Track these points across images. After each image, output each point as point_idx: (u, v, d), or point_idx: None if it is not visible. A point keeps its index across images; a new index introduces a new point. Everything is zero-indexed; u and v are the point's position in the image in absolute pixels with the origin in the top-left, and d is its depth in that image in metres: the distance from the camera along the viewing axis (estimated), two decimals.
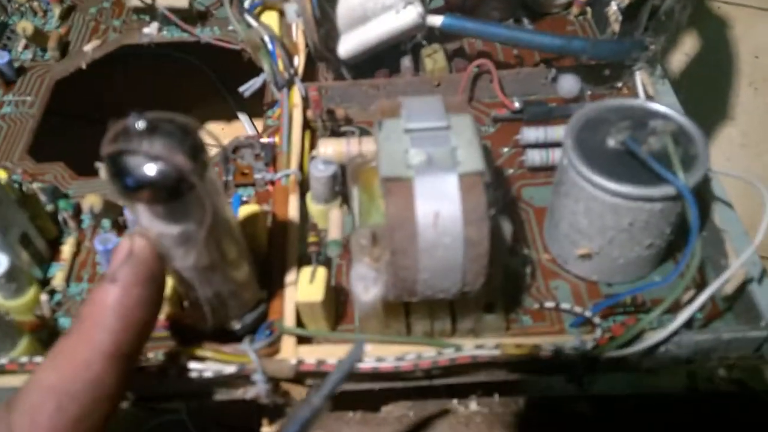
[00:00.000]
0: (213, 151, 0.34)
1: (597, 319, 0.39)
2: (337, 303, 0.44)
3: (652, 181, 0.37)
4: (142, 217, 0.32)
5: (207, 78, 0.80)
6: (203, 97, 0.62)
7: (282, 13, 0.58)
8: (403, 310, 0.41)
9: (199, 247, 0.34)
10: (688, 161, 0.38)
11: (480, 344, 0.37)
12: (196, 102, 0.71)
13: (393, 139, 0.36)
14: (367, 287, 0.38)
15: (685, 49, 0.97)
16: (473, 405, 0.40)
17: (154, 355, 0.41)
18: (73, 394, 0.29)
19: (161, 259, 0.33)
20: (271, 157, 0.52)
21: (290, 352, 0.38)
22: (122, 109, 0.29)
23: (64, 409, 0.28)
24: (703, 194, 0.44)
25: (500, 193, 0.40)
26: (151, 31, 0.65)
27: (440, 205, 0.34)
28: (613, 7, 0.58)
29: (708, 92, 0.99)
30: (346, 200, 0.47)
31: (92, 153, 0.48)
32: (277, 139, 0.53)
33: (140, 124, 0.29)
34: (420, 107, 0.38)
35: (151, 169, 0.29)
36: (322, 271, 0.40)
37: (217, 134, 0.55)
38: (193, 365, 0.37)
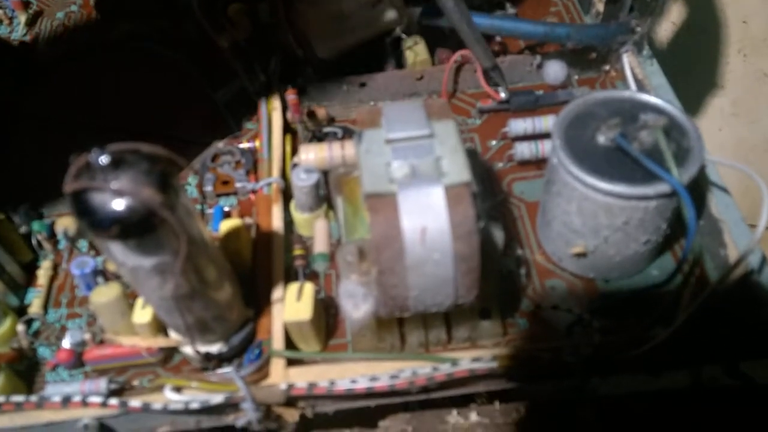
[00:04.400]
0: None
1: (595, 323, 0.38)
2: (328, 315, 0.42)
3: (646, 179, 0.36)
4: (114, 251, 0.30)
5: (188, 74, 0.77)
6: (186, 92, 0.60)
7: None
8: (397, 322, 0.40)
9: (177, 277, 0.32)
10: (681, 155, 0.37)
11: (477, 357, 0.36)
12: (178, 98, 0.68)
13: (374, 151, 0.35)
14: (356, 304, 0.36)
15: (672, 17, 0.95)
16: (473, 416, 0.39)
17: (140, 381, 0.40)
18: None
19: None
20: (252, 163, 0.51)
21: (280, 376, 0.37)
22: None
23: None
24: (699, 182, 0.43)
25: (489, 201, 0.38)
26: (120, 34, 0.62)
27: (427, 219, 0.32)
28: None
29: (697, 61, 0.97)
30: (332, 205, 0.46)
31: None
32: (257, 143, 0.52)
33: (103, 159, 0.27)
34: (400, 115, 0.36)
35: (118, 205, 0.28)
36: (309, 288, 0.39)
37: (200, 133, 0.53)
38: (178, 397, 0.35)
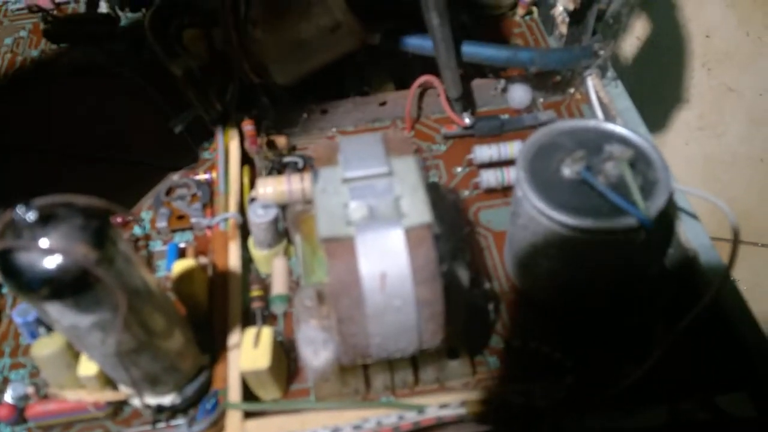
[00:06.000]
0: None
1: (567, 362, 0.36)
2: (289, 359, 0.40)
3: (613, 213, 0.35)
4: (48, 309, 0.28)
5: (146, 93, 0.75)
6: (144, 114, 0.57)
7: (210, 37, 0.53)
8: (361, 365, 0.38)
9: (118, 333, 0.30)
10: (648, 187, 0.36)
11: (444, 403, 0.35)
12: (137, 120, 0.65)
13: (330, 191, 0.33)
14: (316, 351, 0.35)
15: (636, 33, 0.95)
16: None
17: None
18: None
19: None
20: (209, 197, 0.48)
21: (236, 430, 0.35)
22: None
23: None
24: (667, 209, 0.42)
25: (453, 237, 0.36)
26: (72, 60, 0.60)
27: (386, 264, 0.31)
28: (559, 8, 0.55)
29: (661, 76, 0.97)
30: (292, 240, 0.44)
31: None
32: (214, 174, 0.50)
33: (30, 216, 0.25)
34: (358, 151, 0.34)
35: (48, 264, 0.26)
36: (267, 333, 0.37)
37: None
38: None
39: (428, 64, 0.54)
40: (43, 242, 0.25)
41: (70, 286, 0.26)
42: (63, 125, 0.55)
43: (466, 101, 0.50)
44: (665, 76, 0.95)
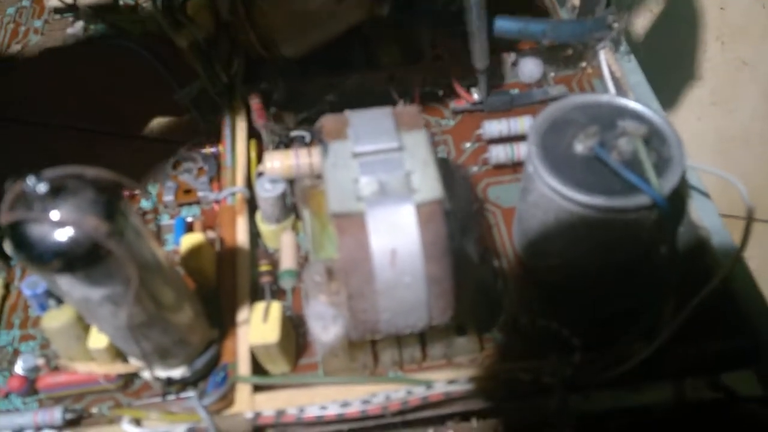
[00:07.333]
0: None
1: (575, 340, 0.36)
2: (298, 334, 0.40)
3: (626, 190, 0.34)
4: (60, 282, 0.28)
5: (151, 66, 0.74)
6: (149, 87, 0.57)
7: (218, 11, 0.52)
8: (369, 341, 0.38)
9: (130, 307, 0.30)
10: (662, 164, 0.35)
11: (452, 379, 0.35)
12: (142, 93, 0.64)
13: (340, 165, 0.33)
14: (326, 326, 0.35)
15: (650, 5, 0.93)
16: None
17: (98, 409, 0.38)
18: None
19: None
20: (216, 170, 0.48)
21: (245, 403, 0.35)
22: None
23: None
24: (679, 187, 0.42)
25: (462, 212, 0.36)
26: (75, 31, 0.59)
27: (397, 240, 0.30)
28: None
29: (674, 49, 0.96)
30: (300, 215, 0.44)
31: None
32: (221, 148, 0.49)
33: (41, 187, 0.25)
34: (368, 125, 0.34)
35: (60, 237, 0.25)
36: (276, 307, 0.37)
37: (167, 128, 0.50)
38: (136, 430, 0.33)
39: (437, 37, 0.53)
40: (55, 214, 0.25)
41: (81, 258, 0.26)
42: (66, 98, 0.55)
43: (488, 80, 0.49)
44: (678, 49, 0.94)
